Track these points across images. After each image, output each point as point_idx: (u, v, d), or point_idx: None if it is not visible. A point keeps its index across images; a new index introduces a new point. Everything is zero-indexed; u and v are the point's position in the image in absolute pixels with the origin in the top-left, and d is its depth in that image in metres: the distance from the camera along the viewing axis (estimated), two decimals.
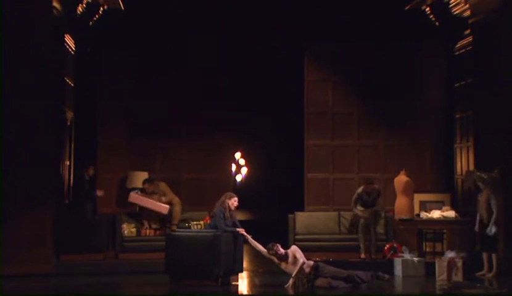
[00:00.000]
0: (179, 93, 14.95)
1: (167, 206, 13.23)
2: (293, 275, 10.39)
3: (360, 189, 13.37)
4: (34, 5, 11.92)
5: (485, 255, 11.53)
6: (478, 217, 11.71)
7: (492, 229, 11.39)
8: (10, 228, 11.55)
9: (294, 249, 10.63)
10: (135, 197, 13.42)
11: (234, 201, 10.84)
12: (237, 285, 10.70)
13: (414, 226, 13.31)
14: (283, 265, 10.57)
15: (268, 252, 10.62)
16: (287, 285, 10.35)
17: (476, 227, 11.73)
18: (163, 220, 13.39)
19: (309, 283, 10.37)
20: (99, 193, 13.91)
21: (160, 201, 13.30)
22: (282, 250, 10.59)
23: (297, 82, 15.32)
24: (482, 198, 11.66)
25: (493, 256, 11.46)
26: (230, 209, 10.80)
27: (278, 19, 14.59)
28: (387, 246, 12.76)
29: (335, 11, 14.55)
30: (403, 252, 12.00)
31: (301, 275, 10.41)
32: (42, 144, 11.89)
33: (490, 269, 11.46)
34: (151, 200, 13.27)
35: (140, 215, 13.41)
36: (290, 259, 10.52)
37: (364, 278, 10.46)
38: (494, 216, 11.41)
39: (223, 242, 10.50)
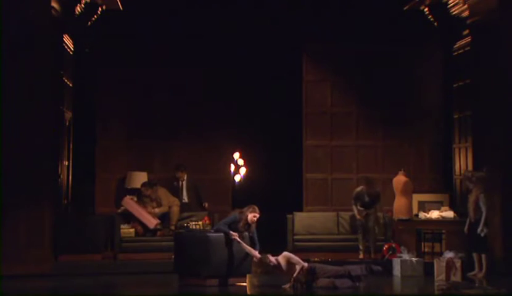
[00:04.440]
0: (178, 93, 14.95)
1: (155, 221, 13.26)
2: (293, 276, 10.35)
3: (360, 188, 13.38)
4: (32, 5, 11.91)
5: (475, 255, 11.52)
6: (468, 219, 11.72)
7: (484, 229, 11.37)
8: (8, 228, 11.54)
9: (288, 256, 10.57)
10: (128, 202, 13.44)
11: (253, 216, 10.67)
12: (245, 286, 10.57)
13: (412, 226, 13.31)
14: (278, 271, 10.55)
15: (262, 265, 10.63)
16: (286, 285, 10.33)
17: (465, 228, 11.71)
18: (163, 221, 13.42)
19: (307, 285, 10.34)
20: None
21: (153, 211, 13.33)
22: (273, 260, 10.49)
23: (295, 82, 15.33)
24: (470, 198, 11.67)
25: (483, 256, 11.44)
26: (247, 222, 10.67)
27: (277, 19, 14.60)
28: (386, 246, 12.77)
29: (334, 11, 14.56)
30: (401, 252, 12.00)
31: (300, 277, 10.39)
32: (40, 144, 11.88)
33: (481, 269, 11.45)
34: (142, 211, 13.29)
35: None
36: (283, 266, 10.45)
37: (359, 272, 10.43)
38: (484, 216, 11.38)
39: (215, 242, 10.42)
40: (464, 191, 13.90)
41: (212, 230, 10.88)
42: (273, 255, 10.58)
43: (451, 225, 13.07)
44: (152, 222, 13.25)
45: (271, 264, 10.46)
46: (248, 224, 10.67)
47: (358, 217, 13.31)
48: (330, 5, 14.45)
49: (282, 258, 10.49)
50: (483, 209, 11.38)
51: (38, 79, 11.90)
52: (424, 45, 15.15)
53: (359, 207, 13.32)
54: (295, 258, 10.52)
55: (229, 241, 10.46)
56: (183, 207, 13.86)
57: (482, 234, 11.35)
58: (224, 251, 10.44)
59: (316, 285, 10.30)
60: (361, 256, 13.02)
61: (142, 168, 14.48)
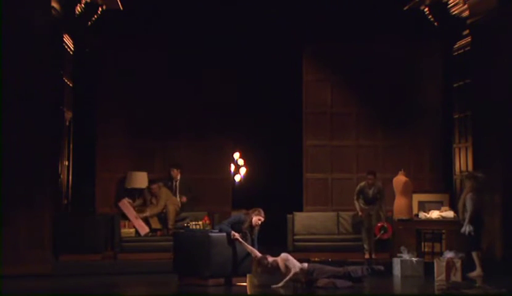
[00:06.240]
0: (178, 93, 14.95)
1: (146, 229, 13.30)
2: (284, 280, 10.33)
3: (363, 183, 13.42)
4: (32, 5, 11.91)
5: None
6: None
7: (467, 228, 11.36)
8: (8, 228, 11.53)
9: (285, 257, 10.52)
10: (124, 205, 13.49)
11: (257, 220, 10.60)
12: (245, 286, 10.53)
13: (412, 226, 13.33)
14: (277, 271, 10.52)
15: (260, 266, 10.59)
16: (275, 285, 10.29)
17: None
18: (163, 221, 13.44)
19: (307, 285, 10.32)
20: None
21: (146, 215, 13.36)
22: (270, 261, 10.41)
23: (295, 82, 15.33)
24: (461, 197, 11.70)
25: (474, 254, 11.42)
26: (251, 224, 10.60)
27: (276, 19, 14.60)
28: (378, 225, 12.81)
29: (334, 11, 14.55)
30: (401, 252, 11.98)
31: (300, 277, 10.37)
32: (40, 144, 11.86)
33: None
34: (136, 215, 13.33)
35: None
36: (281, 268, 10.42)
37: (360, 273, 10.42)
38: (468, 215, 11.37)
39: (216, 242, 10.40)
40: None
41: (213, 230, 10.86)
42: (272, 256, 10.56)
43: (451, 225, 13.07)
44: (144, 229, 13.32)
45: (268, 265, 10.43)
46: (251, 227, 10.65)
47: (359, 213, 13.33)
48: (330, 5, 14.45)
49: (281, 259, 10.46)
50: (468, 208, 11.37)
51: (38, 79, 11.89)
52: (424, 45, 15.16)
53: (361, 204, 13.35)
54: (291, 261, 10.45)
55: (230, 241, 10.45)
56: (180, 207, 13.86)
57: (466, 233, 11.35)
58: (225, 251, 10.42)
59: (316, 285, 10.29)
60: (366, 256, 13.01)
61: (142, 168, 14.48)
